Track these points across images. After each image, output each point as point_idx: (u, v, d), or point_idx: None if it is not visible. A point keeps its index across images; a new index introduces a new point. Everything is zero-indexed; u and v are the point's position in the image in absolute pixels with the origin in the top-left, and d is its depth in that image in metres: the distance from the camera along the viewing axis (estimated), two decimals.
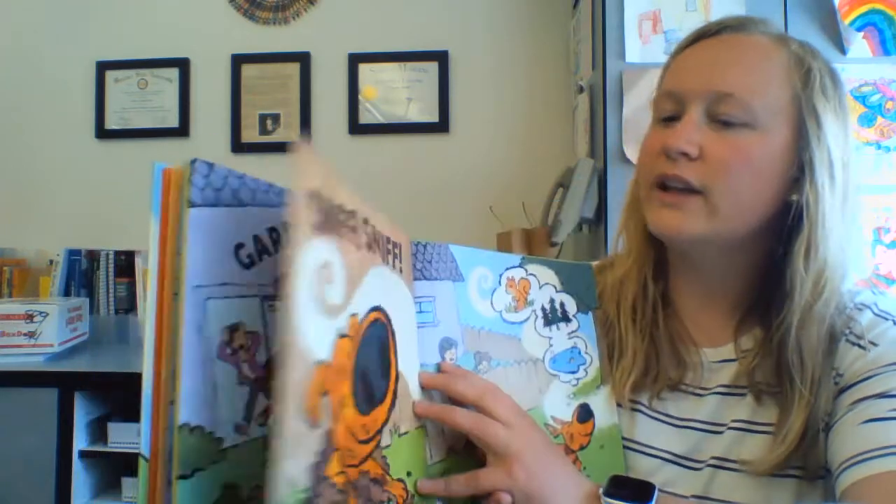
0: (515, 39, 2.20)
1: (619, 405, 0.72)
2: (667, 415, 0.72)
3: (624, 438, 0.72)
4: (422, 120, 2.19)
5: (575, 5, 2.00)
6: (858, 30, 1.58)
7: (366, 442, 0.48)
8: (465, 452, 0.61)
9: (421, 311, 0.61)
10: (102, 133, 2.26)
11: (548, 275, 0.70)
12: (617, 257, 0.79)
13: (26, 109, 2.30)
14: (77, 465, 1.67)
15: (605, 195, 1.63)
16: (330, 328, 0.43)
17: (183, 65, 2.24)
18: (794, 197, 0.66)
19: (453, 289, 0.64)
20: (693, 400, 0.71)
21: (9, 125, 2.30)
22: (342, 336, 0.44)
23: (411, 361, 0.58)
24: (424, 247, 0.63)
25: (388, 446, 0.51)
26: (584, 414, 0.69)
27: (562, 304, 0.71)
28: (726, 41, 0.69)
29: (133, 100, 2.25)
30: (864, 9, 1.58)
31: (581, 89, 1.88)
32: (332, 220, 0.45)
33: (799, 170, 0.66)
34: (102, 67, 2.25)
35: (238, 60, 2.22)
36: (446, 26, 2.20)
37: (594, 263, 0.79)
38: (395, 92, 2.20)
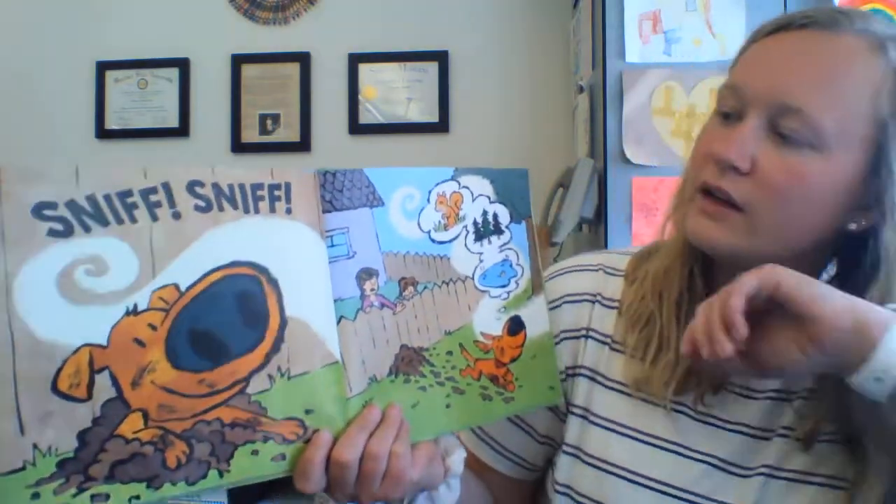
0: (515, 39, 2.17)
1: (660, 405, 0.67)
2: (713, 416, 0.66)
3: (666, 440, 0.67)
4: (422, 120, 2.16)
5: (575, 5, 1.99)
6: None
7: (208, 395, 0.52)
8: (388, 380, 0.61)
9: (333, 245, 0.59)
10: (102, 133, 2.23)
11: (482, 185, 0.67)
12: (662, 245, 0.72)
13: (26, 109, 2.29)
14: None
15: (605, 195, 1.59)
16: (104, 314, 0.49)
17: (183, 65, 2.21)
18: (854, 226, 0.59)
19: (371, 215, 0.61)
20: (742, 402, 0.66)
21: (9, 125, 2.28)
22: (136, 313, 0.50)
23: (316, 302, 0.57)
24: (333, 175, 0.60)
25: (264, 390, 0.54)
26: (515, 326, 0.68)
27: (494, 216, 0.68)
28: (808, 40, 0.60)
29: (133, 100, 2.22)
30: (863, 8, 1.58)
31: (581, 89, 1.86)
32: (97, 215, 0.49)
33: (868, 200, 0.59)
34: (102, 67, 2.22)
35: (238, 60, 2.19)
36: (446, 26, 2.17)
37: (639, 249, 0.75)
38: (395, 92, 2.17)
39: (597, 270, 0.76)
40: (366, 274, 0.60)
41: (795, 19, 0.61)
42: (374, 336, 0.61)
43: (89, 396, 0.48)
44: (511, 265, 0.69)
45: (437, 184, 0.65)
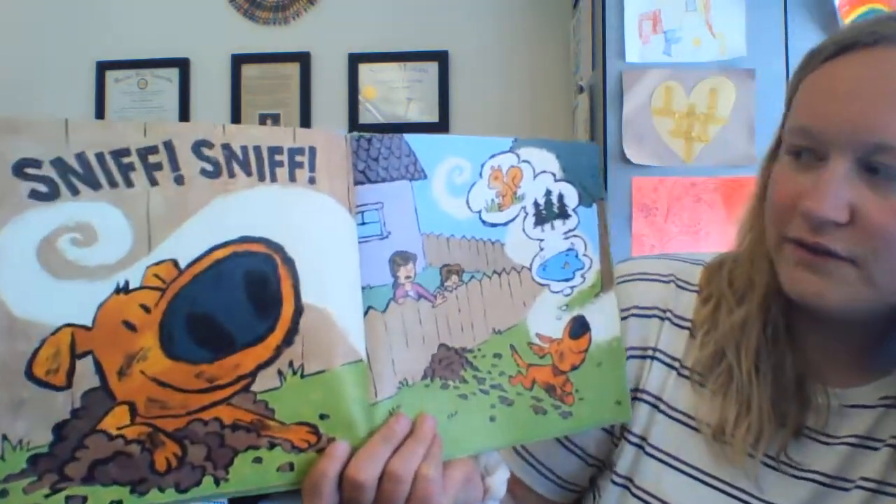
0: (515, 39, 2.16)
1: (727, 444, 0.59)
2: (785, 463, 0.59)
3: (729, 484, 0.60)
4: (422, 120, 2.14)
5: (575, 5, 1.99)
6: None
7: (206, 391, 0.45)
8: (422, 384, 0.52)
9: (363, 223, 0.50)
10: None
11: (546, 160, 0.57)
12: (738, 259, 0.64)
13: (26, 109, 2.27)
14: None
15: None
16: (90, 290, 0.43)
17: (183, 65, 2.19)
18: None
19: (411, 190, 0.52)
20: (817, 448, 0.59)
21: None
22: (127, 291, 0.43)
23: (340, 289, 0.49)
24: (369, 141, 0.51)
25: (273, 389, 0.47)
26: (578, 328, 0.58)
27: (560, 197, 0.58)
28: (882, 60, 0.51)
29: (133, 100, 2.20)
30: (863, 8, 1.56)
31: (581, 89, 1.85)
32: (87, 176, 0.43)
33: None
34: (102, 67, 2.20)
35: (238, 60, 2.17)
36: (446, 26, 2.16)
37: (712, 257, 0.67)
38: (395, 92, 2.15)
39: (668, 282, 0.67)
40: (401, 258, 0.52)
41: (861, 37, 0.53)
42: (407, 332, 0.52)
43: (69, 384, 0.42)
44: (577, 255, 0.59)
45: (492, 156, 0.55)
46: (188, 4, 2.23)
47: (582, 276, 0.59)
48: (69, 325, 0.42)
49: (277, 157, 0.48)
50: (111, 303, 0.43)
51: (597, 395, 0.58)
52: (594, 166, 0.60)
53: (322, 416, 0.48)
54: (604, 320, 0.59)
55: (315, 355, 0.48)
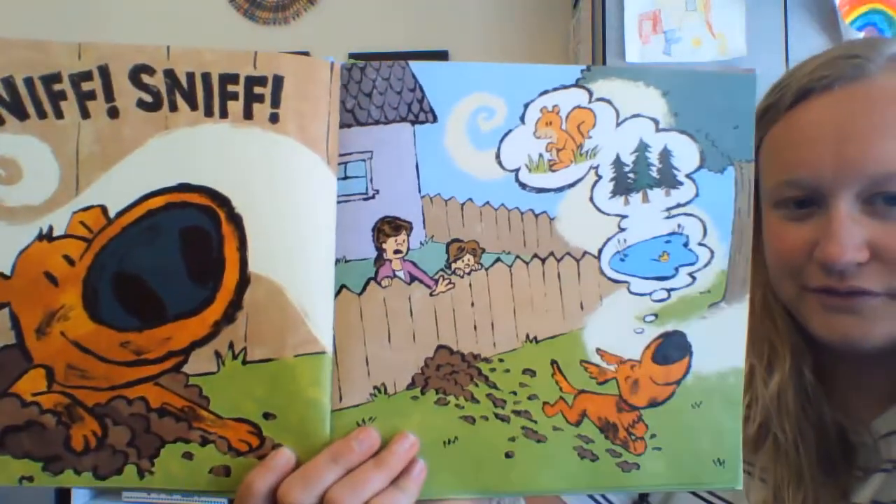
0: (515, 39, 2.15)
1: None
2: None
3: None
4: None
5: (575, 5, 1.99)
6: (859, 30, 1.56)
7: (132, 364, 0.39)
8: (407, 394, 0.41)
9: (345, 178, 0.39)
10: None
11: (643, 98, 0.40)
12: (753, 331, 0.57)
13: None
14: None
15: None
16: (11, 234, 0.38)
17: None
18: None
19: (412, 136, 0.40)
20: (854, 482, 0.55)
21: None
22: (50, 238, 0.38)
23: (302, 257, 0.39)
24: (363, 71, 0.39)
25: (208, 373, 0.39)
26: (672, 349, 0.42)
27: (665, 154, 0.41)
28: (852, 98, 0.51)
29: None
30: (864, 9, 1.57)
31: None
32: (14, 104, 0.37)
33: None
34: None
35: None
36: (446, 26, 2.15)
37: None
38: None
39: None
40: (390, 226, 0.40)
41: (813, 83, 0.53)
42: (390, 323, 0.40)
43: None
44: (686, 244, 0.42)
45: (544, 92, 0.40)
46: (188, 4, 2.22)
47: (691, 275, 0.42)
48: None
49: (231, 88, 0.39)
50: (33, 249, 0.38)
51: (684, 446, 0.43)
52: (745, 109, 0.41)
53: (266, 416, 0.40)
54: (718, 344, 0.43)
55: (262, 339, 0.39)
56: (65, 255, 0.39)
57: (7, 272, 0.38)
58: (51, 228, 0.38)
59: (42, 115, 0.38)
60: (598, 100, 0.40)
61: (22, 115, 0.38)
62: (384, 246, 0.40)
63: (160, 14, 2.22)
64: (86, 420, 0.39)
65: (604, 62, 1.59)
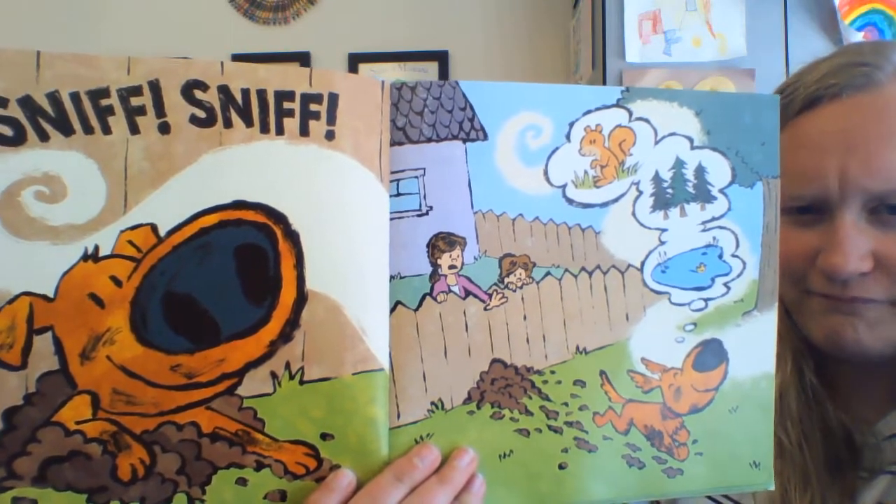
0: (515, 39, 2.15)
1: None
2: None
3: None
4: None
5: (575, 5, 1.98)
6: (859, 30, 1.56)
7: (183, 388, 0.37)
8: (464, 409, 0.41)
9: (398, 195, 0.40)
10: None
11: (679, 118, 0.42)
12: None
13: None
14: None
15: None
16: (55, 254, 0.36)
17: None
18: None
19: (464, 153, 0.40)
20: (859, 485, 0.55)
21: None
22: (96, 259, 0.36)
23: (358, 275, 0.39)
24: (413, 90, 0.39)
25: (264, 395, 0.38)
26: (710, 357, 0.44)
27: (700, 171, 0.43)
28: (861, 106, 0.51)
29: None
30: (864, 9, 1.57)
31: None
32: (59, 119, 0.36)
33: None
34: None
35: (238, 60, 2.21)
36: (446, 26, 2.14)
37: None
38: None
39: None
40: (445, 242, 0.40)
41: (821, 91, 0.53)
42: (446, 338, 0.41)
43: (23, 364, 0.36)
44: (721, 255, 0.44)
45: (588, 112, 0.41)
46: (188, 4, 2.22)
47: (726, 285, 0.44)
48: (28, 293, 0.36)
49: (287, 105, 0.38)
50: (77, 271, 0.37)
51: (723, 450, 0.44)
52: (770, 127, 0.43)
53: (324, 437, 0.39)
54: (751, 351, 0.45)
55: (319, 358, 0.38)
56: (111, 275, 0.37)
57: (50, 294, 0.36)
58: (96, 248, 0.37)
59: (88, 130, 0.36)
60: (638, 119, 0.42)
61: (67, 130, 0.36)
62: (439, 261, 0.40)
63: (160, 14, 2.22)
64: (133, 448, 0.38)
65: (604, 62, 1.58)
